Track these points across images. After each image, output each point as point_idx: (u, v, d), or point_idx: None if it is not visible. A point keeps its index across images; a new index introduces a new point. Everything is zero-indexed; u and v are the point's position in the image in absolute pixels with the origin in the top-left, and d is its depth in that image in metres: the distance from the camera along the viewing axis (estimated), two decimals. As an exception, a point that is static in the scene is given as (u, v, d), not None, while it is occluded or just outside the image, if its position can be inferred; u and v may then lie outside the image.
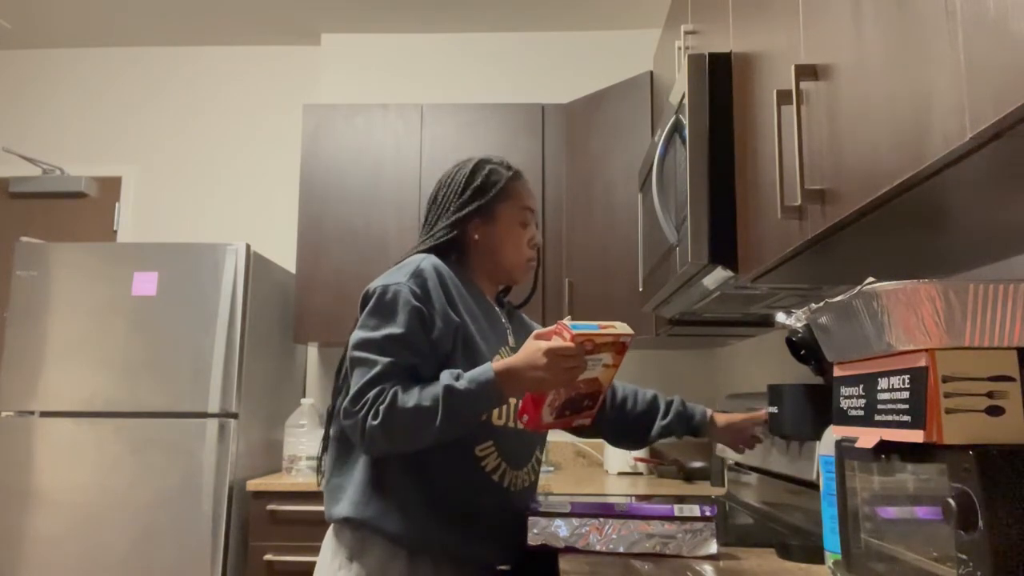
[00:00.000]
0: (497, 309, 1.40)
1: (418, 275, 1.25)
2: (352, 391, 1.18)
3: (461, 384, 1.15)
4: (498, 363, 1.17)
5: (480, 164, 1.39)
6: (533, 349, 1.15)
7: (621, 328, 1.20)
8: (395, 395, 1.15)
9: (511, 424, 1.30)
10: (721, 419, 1.58)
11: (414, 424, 1.14)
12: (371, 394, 1.16)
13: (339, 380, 1.31)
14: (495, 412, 1.27)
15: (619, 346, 1.20)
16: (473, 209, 1.35)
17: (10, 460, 2.48)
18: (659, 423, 1.55)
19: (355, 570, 1.22)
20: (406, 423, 1.14)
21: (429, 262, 1.28)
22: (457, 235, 1.36)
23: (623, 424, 1.58)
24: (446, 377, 1.16)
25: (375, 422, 1.14)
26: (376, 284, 1.26)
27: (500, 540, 1.29)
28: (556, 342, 1.14)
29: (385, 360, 1.17)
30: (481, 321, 1.31)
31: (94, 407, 2.50)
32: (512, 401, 1.29)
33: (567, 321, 1.17)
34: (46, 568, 2.41)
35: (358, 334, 1.22)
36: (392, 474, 1.23)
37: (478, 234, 1.36)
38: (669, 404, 1.58)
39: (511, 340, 1.38)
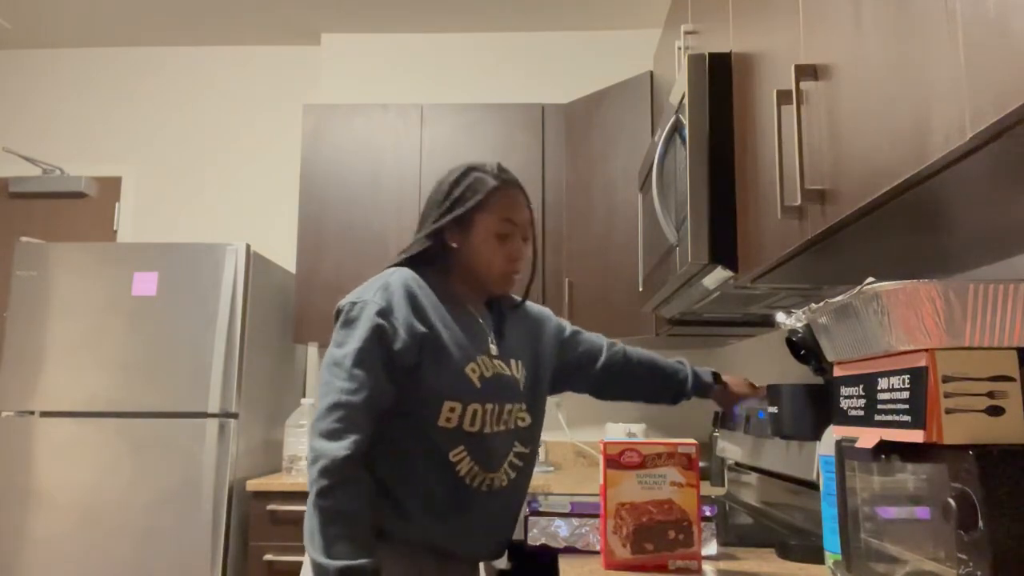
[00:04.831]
0: (480, 320, 1.37)
1: (384, 288, 1.26)
2: (318, 411, 1.18)
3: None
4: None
5: (466, 172, 1.36)
6: None
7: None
8: (343, 491, 1.13)
9: (487, 430, 1.28)
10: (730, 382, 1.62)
11: (323, 522, 1.13)
12: (333, 449, 1.14)
13: None
14: (467, 419, 1.26)
15: (682, 459, 1.13)
16: (451, 219, 1.33)
17: (10, 460, 2.48)
18: (686, 370, 1.60)
19: None
20: (330, 514, 1.13)
21: (398, 276, 1.28)
22: (435, 244, 1.34)
23: (653, 374, 1.59)
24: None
25: (324, 484, 1.13)
26: (345, 300, 1.28)
27: (487, 538, 1.30)
28: None
29: (345, 385, 1.18)
30: (455, 329, 1.29)
31: (94, 407, 2.49)
32: (489, 407, 1.28)
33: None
34: (46, 568, 2.41)
35: (328, 350, 1.25)
36: (384, 475, 1.23)
37: (455, 242, 1.35)
38: (682, 363, 1.62)
39: (493, 349, 1.34)
